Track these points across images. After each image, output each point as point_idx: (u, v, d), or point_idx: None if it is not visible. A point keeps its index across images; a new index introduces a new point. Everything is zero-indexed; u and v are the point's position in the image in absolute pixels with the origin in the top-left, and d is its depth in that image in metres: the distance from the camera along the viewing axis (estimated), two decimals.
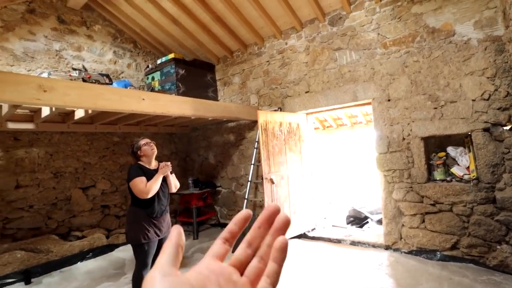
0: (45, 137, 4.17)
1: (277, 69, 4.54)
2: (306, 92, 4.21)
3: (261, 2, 3.92)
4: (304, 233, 4.23)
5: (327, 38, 3.96)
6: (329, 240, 4.01)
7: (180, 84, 4.60)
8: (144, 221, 2.38)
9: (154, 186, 2.35)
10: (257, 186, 4.74)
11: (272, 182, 3.85)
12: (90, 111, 3.43)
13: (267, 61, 4.66)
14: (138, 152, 2.50)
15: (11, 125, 3.60)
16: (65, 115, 3.95)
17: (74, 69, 3.70)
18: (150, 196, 2.34)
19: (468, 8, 2.93)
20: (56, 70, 4.32)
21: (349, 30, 3.77)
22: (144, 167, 2.46)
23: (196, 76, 4.96)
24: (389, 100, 3.49)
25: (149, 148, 2.50)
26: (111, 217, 4.77)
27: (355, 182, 6.52)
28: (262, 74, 4.73)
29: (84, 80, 3.54)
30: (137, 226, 2.37)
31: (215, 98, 5.31)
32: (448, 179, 3.21)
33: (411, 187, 3.35)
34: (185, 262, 3.68)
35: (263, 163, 3.81)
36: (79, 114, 3.59)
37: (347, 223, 4.55)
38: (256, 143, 4.51)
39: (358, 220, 4.47)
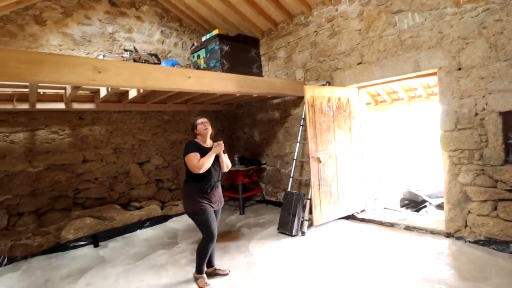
0: (105, 116, 4.53)
1: (325, 40, 4.19)
2: (359, 64, 3.84)
3: None
4: (353, 214, 4.04)
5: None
6: (381, 223, 3.78)
7: (224, 61, 4.55)
8: (196, 195, 2.56)
9: (206, 163, 2.49)
10: (303, 164, 4.61)
11: (319, 161, 3.69)
12: (141, 91, 3.58)
13: (315, 32, 4.32)
14: (195, 130, 2.68)
15: (76, 106, 3.95)
16: (121, 95, 4.20)
17: (126, 51, 3.86)
18: (202, 171, 2.48)
19: None
20: (111, 52, 4.57)
21: None
22: (199, 144, 2.62)
23: (240, 51, 4.84)
24: (459, 69, 2.99)
25: (202, 127, 2.65)
26: (164, 190, 5.11)
27: (411, 162, 5.98)
28: (309, 46, 4.43)
29: (134, 61, 3.67)
30: (192, 200, 2.56)
31: (260, 74, 5.17)
32: None
33: (482, 169, 2.92)
34: (232, 235, 3.81)
35: (310, 141, 3.65)
36: (132, 94, 3.78)
37: (401, 206, 4.23)
38: (302, 120, 4.32)
39: (414, 203, 4.11)
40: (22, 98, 3.48)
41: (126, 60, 3.65)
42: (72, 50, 4.19)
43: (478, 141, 2.93)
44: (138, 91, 3.60)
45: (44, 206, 3.94)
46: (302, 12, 4.43)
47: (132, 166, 4.77)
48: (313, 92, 3.74)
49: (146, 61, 3.78)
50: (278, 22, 4.85)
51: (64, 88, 3.46)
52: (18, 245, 3.50)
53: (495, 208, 2.86)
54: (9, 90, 3.30)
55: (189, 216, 2.60)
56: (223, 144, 2.63)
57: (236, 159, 5.31)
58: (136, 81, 2.75)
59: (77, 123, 4.27)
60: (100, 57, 3.45)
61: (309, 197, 3.78)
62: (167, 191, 5.15)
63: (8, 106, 3.50)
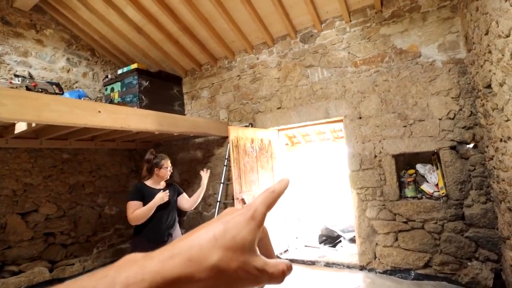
0: None
1: (248, 84, 4.41)
2: (278, 108, 4.11)
3: (233, 16, 3.81)
4: (277, 256, 3.99)
5: (299, 54, 3.94)
6: (303, 262, 3.83)
7: (143, 97, 4.25)
8: (146, 250, 2.22)
9: (143, 215, 2.20)
10: (226, 206, 4.45)
11: (244, 203, 3.61)
12: (34, 124, 2.95)
13: (238, 76, 4.52)
14: (155, 170, 2.39)
15: None
16: (4, 128, 3.38)
17: (17, 76, 3.22)
18: (134, 223, 2.21)
19: (432, 32, 3.08)
20: None
21: (320, 48, 3.78)
22: (146, 187, 2.34)
23: (161, 88, 4.64)
24: (360, 118, 3.50)
25: (166, 172, 2.43)
26: (56, 247, 4.11)
27: (324, 198, 6.50)
28: (232, 88, 4.57)
29: (28, 89, 3.08)
30: None
31: (182, 112, 5.00)
32: (418, 196, 3.24)
33: (383, 205, 3.33)
34: None
35: (234, 182, 3.57)
36: (20, 127, 3.07)
37: (320, 243, 4.42)
38: (226, 160, 4.27)
39: (331, 239, 4.37)
40: None
41: (16, 87, 3.03)
42: None
43: (379, 179, 3.37)
44: (30, 124, 2.96)
45: None
46: (226, 57, 4.61)
47: (11, 217, 3.74)
48: (237, 133, 3.77)
49: (44, 90, 3.21)
50: (202, 63, 4.91)
51: None
52: None
53: (396, 239, 3.25)
54: None
55: None
56: (167, 193, 2.31)
57: None
58: (27, 113, 2.25)
59: None
60: None
61: None
62: (60, 248, 4.16)
63: None
